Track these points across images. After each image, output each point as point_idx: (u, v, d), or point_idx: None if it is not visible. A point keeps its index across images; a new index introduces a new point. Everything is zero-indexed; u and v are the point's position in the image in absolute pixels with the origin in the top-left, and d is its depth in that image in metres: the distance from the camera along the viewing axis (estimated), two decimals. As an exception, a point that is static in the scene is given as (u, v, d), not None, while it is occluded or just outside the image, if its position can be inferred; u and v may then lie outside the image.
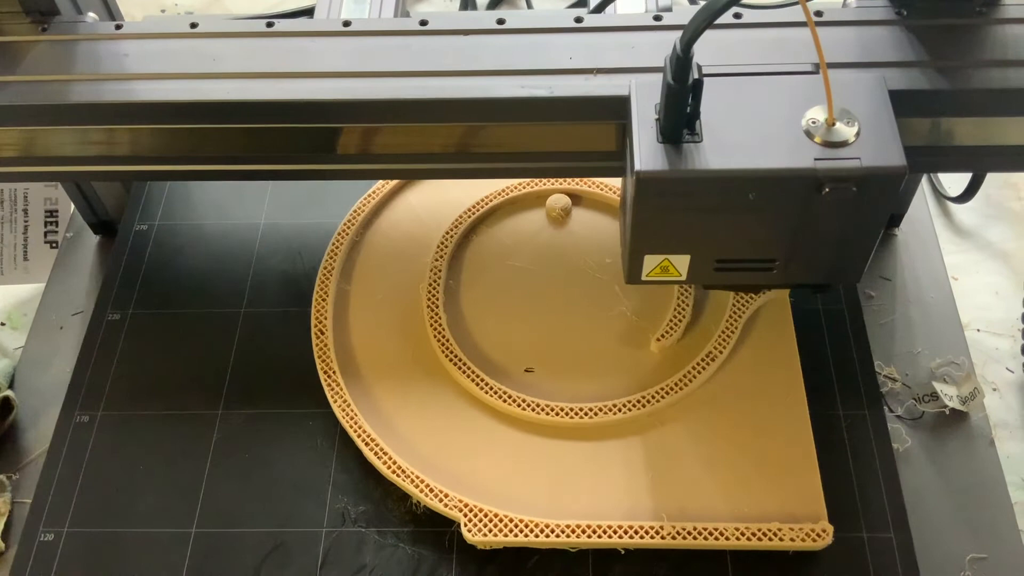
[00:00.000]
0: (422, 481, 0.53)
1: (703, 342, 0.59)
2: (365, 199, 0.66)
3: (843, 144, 0.42)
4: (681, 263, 0.48)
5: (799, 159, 0.42)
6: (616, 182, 0.66)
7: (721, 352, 0.58)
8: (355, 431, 0.56)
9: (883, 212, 0.44)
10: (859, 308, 0.62)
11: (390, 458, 0.54)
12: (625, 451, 0.55)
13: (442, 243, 0.63)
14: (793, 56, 0.50)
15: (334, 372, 0.58)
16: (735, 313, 0.59)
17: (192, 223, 0.68)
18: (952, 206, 0.74)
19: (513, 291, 0.62)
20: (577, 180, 0.66)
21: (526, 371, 0.58)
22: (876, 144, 0.42)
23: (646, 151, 0.43)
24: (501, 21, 0.53)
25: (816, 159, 0.42)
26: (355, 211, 0.65)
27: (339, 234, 0.64)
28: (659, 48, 0.52)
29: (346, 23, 0.54)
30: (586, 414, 0.56)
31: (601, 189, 0.66)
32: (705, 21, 0.40)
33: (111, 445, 0.58)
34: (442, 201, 0.66)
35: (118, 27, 0.55)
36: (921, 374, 0.62)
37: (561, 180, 0.66)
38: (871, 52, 0.51)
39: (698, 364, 0.57)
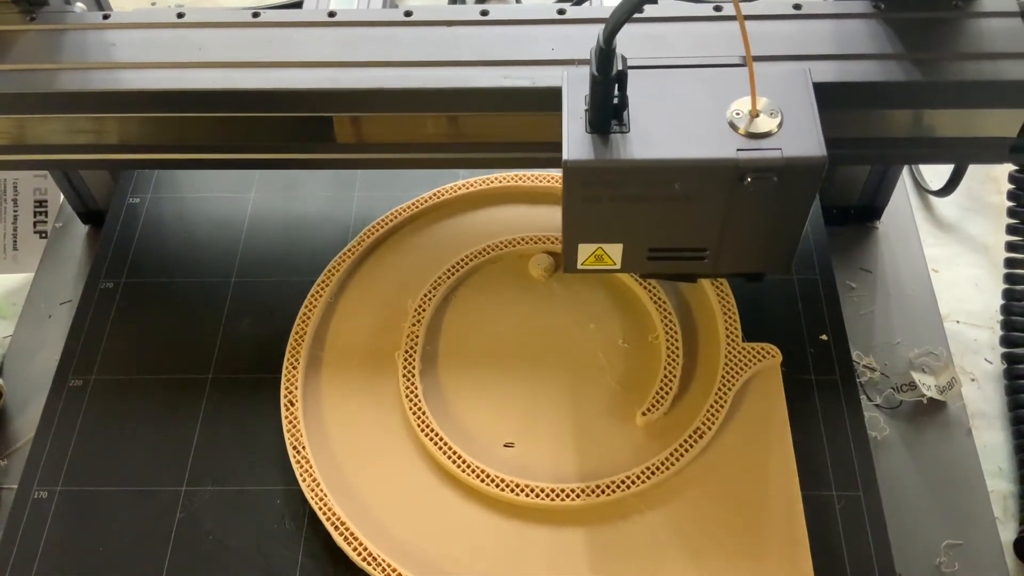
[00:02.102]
0: (395, 571, 0.50)
1: (691, 416, 0.56)
2: (340, 257, 0.63)
3: (765, 135, 0.43)
4: (615, 252, 0.48)
5: (722, 150, 0.43)
6: None
7: (710, 428, 0.55)
8: (324, 513, 0.52)
9: (806, 202, 0.45)
10: (854, 382, 0.58)
11: (361, 544, 0.51)
12: (610, 536, 0.52)
13: (420, 307, 0.60)
14: (761, 48, 0.51)
15: (303, 447, 0.55)
16: (724, 385, 0.56)
17: (160, 280, 0.64)
18: (933, 199, 0.75)
19: (493, 358, 0.59)
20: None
21: (506, 446, 0.55)
22: (797, 135, 0.43)
23: (574, 141, 0.44)
24: (485, 13, 0.54)
25: (738, 150, 0.43)
26: (329, 270, 0.62)
27: (312, 295, 0.61)
28: (641, 40, 0.52)
29: (331, 14, 0.54)
30: (568, 496, 0.53)
31: None
32: (626, 13, 0.40)
33: (68, 525, 0.54)
34: (419, 260, 0.63)
35: (106, 17, 0.55)
36: (900, 364, 0.63)
37: (544, 239, 0.62)
38: (848, 45, 0.52)
39: (685, 441, 0.54)
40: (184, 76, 0.52)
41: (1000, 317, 0.65)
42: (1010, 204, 0.63)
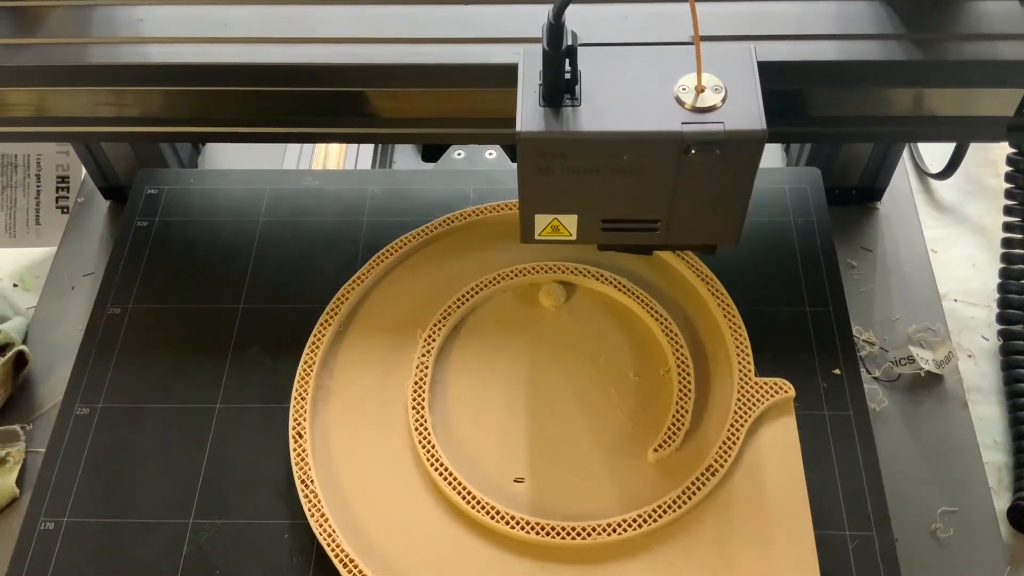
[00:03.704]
0: None
1: (703, 453, 0.55)
2: (349, 285, 0.61)
3: (710, 110, 0.45)
4: (570, 223, 0.50)
5: (667, 123, 0.44)
6: (611, 269, 0.62)
7: (722, 465, 0.54)
8: (333, 549, 0.51)
9: (749, 174, 0.46)
10: (867, 419, 0.57)
11: None
12: (621, 575, 0.51)
13: (429, 336, 0.59)
14: (765, 28, 0.53)
15: (311, 481, 0.54)
16: (737, 421, 0.55)
17: (167, 306, 0.63)
18: (933, 182, 0.77)
19: (503, 390, 0.58)
20: (573, 268, 0.62)
21: (515, 481, 0.54)
22: (740, 110, 0.45)
23: (527, 113, 0.45)
24: (500, -8, 0.56)
25: (683, 123, 0.44)
26: (338, 298, 0.61)
27: (321, 324, 0.60)
28: (652, 20, 0.54)
29: (352, -8, 0.56)
30: (579, 534, 0.52)
31: (598, 279, 0.61)
32: None
33: (75, 556, 0.53)
34: (429, 288, 0.62)
35: (133, -7, 0.57)
36: (899, 339, 0.64)
37: (555, 268, 0.62)
38: (850, 25, 0.53)
39: (698, 479, 0.53)
40: (209, 51, 0.54)
41: (997, 296, 0.66)
42: (1007, 186, 0.65)
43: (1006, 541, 0.57)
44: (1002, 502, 0.60)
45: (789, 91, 0.54)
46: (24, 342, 0.66)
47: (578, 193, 0.48)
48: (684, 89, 0.45)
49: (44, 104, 0.57)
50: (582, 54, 0.46)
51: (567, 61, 0.45)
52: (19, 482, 0.60)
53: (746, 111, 0.45)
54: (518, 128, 0.45)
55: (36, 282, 0.72)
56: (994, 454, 0.62)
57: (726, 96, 0.45)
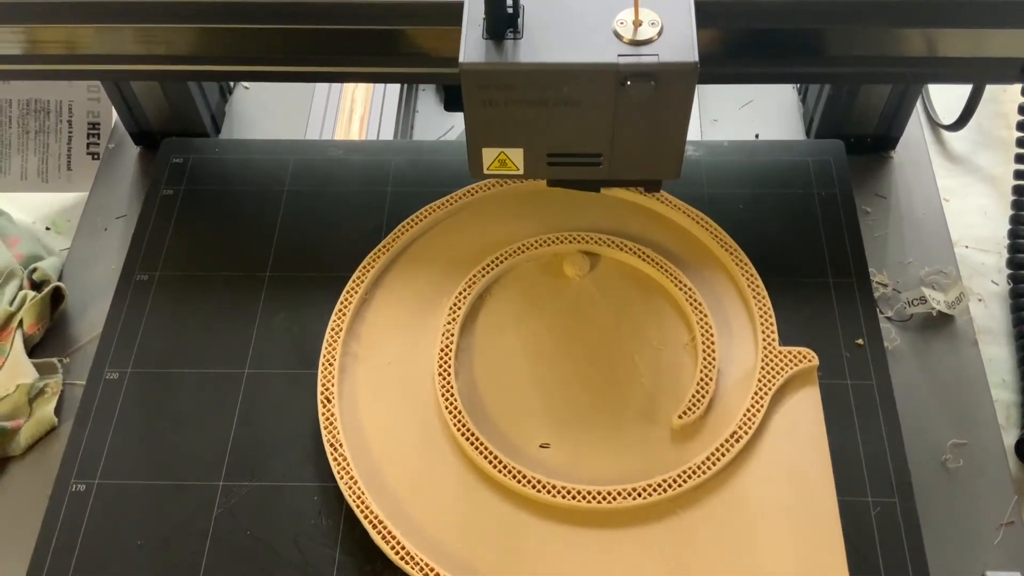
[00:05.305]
0: (432, 570, 0.51)
1: (727, 420, 0.56)
2: (375, 253, 0.62)
3: (646, 43, 0.46)
4: (516, 156, 0.51)
5: (604, 55, 0.46)
6: (635, 239, 0.63)
7: (746, 432, 0.55)
8: (361, 511, 0.53)
9: (684, 108, 0.48)
10: (890, 388, 0.58)
11: (398, 542, 0.51)
12: (645, 539, 0.52)
13: (455, 304, 0.60)
14: None
15: (340, 444, 0.55)
16: (761, 389, 0.56)
17: (195, 273, 0.64)
18: (946, 134, 0.78)
19: (528, 358, 0.59)
20: (597, 239, 0.63)
21: (541, 446, 0.55)
22: (674, 44, 0.46)
23: (470, 46, 0.46)
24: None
25: (619, 55, 0.46)
26: (364, 266, 0.62)
27: (348, 291, 0.61)
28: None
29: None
30: (604, 498, 0.53)
31: (622, 249, 0.62)
32: None
33: (105, 519, 0.54)
34: (454, 257, 0.63)
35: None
36: (911, 282, 0.66)
37: (579, 238, 0.63)
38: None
39: (722, 445, 0.54)
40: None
41: (1007, 242, 0.68)
42: (1019, 135, 0.66)
43: (1014, 473, 0.59)
44: (1011, 438, 0.61)
45: (803, 30, 0.56)
46: (59, 280, 0.67)
47: (523, 126, 0.49)
48: (622, 23, 0.47)
49: (76, 42, 0.59)
50: None
51: None
52: (57, 411, 0.62)
53: (680, 44, 0.46)
54: (460, 59, 0.46)
55: (68, 226, 0.74)
56: (1003, 392, 0.64)
57: (662, 30, 0.46)
